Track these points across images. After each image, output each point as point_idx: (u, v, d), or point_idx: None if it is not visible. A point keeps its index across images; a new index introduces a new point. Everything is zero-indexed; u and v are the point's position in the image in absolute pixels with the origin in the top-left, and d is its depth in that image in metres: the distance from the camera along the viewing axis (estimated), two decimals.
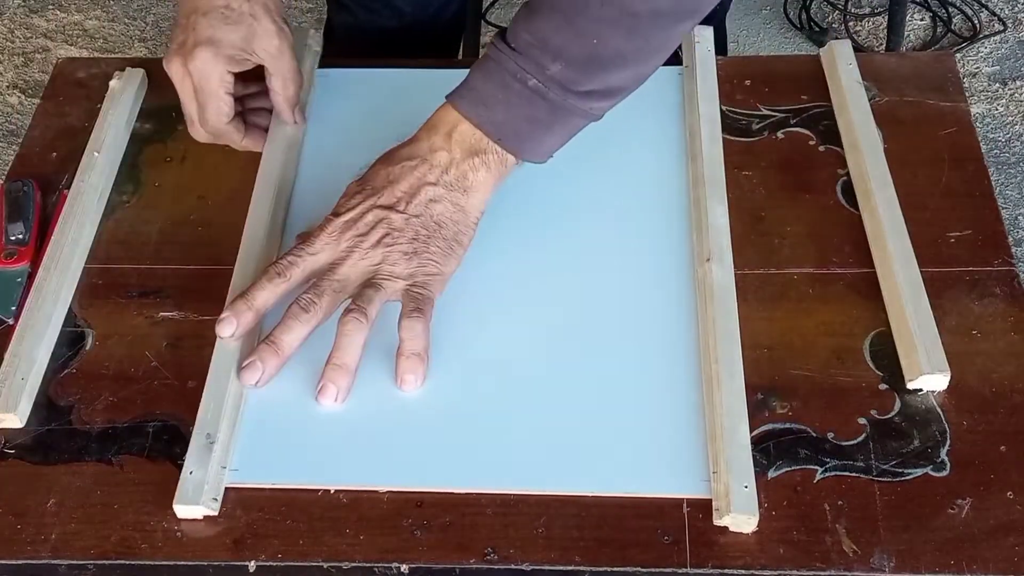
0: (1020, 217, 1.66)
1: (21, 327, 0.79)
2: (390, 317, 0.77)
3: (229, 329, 0.76)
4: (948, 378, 0.74)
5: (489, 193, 0.80)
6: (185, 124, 0.88)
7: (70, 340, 0.80)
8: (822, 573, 0.66)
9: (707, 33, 0.97)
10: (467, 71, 0.90)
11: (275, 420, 0.75)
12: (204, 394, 0.74)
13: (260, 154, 0.89)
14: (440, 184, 0.78)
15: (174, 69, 0.85)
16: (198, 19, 0.85)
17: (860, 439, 0.72)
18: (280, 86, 0.88)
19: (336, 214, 0.78)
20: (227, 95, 0.85)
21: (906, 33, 1.92)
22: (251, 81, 0.90)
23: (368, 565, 0.68)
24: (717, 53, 0.97)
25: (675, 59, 0.97)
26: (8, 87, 1.93)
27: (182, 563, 0.68)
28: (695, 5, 0.75)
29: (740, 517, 0.67)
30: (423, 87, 0.96)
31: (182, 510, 0.69)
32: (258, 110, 0.92)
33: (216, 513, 0.70)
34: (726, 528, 0.68)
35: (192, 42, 0.84)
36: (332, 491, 0.71)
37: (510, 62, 0.76)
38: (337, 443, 0.73)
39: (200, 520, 0.70)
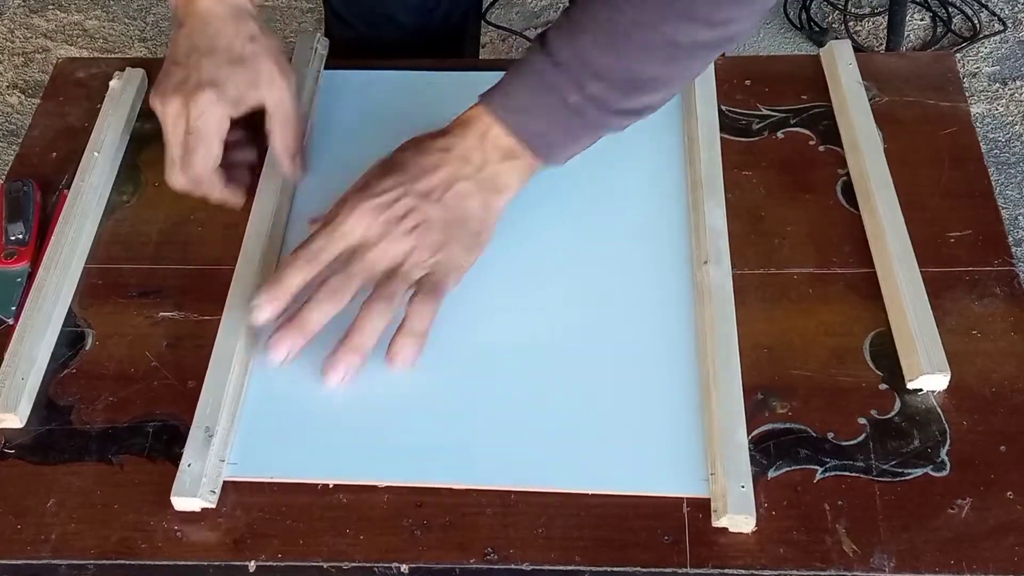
0: (1020, 217, 1.66)
1: (21, 327, 0.79)
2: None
3: (266, 314, 0.75)
4: (948, 378, 0.74)
5: (514, 194, 0.80)
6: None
7: (70, 340, 0.80)
8: (822, 573, 0.66)
9: None
10: (467, 72, 0.90)
11: (275, 414, 0.75)
12: (203, 388, 0.74)
13: (258, 156, 0.89)
14: (473, 181, 0.78)
15: (173, 108, 0.81)
16: (200, 59, 0.82)
17: (860, 439, 0.72)
18: (279, 131, 0.86)
19: (366, 194, 0.77)
20: (219, 141, 0.82)
21: (906, 33, 1.92)
22: (235, 128, 0.85)
23: (368, 565, 0.68)
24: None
25: None
26: (8, 87, 1.93)
27: (182, 563, 0.68)
28: (733, 34, 0.75)
29: (738, 518, 0.67)
30: (425, 89, 0.97)
31: (180, 502, 0.69)
32: (237, 165, 0.87)
33: (213, 506, 0.70)
34: (726, 528, 0.68)
35: (195, 82, 0.81)
36: (332, 487, 0.71)
37: (551, 75, 0.75)
38: (336, 438, 0.73)
39: (200, 520, 0.70)
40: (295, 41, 1.02)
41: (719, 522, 0.67)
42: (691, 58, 0.76)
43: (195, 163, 0.82)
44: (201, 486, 0.69)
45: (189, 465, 0.70)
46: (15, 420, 0.74)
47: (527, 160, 0.78)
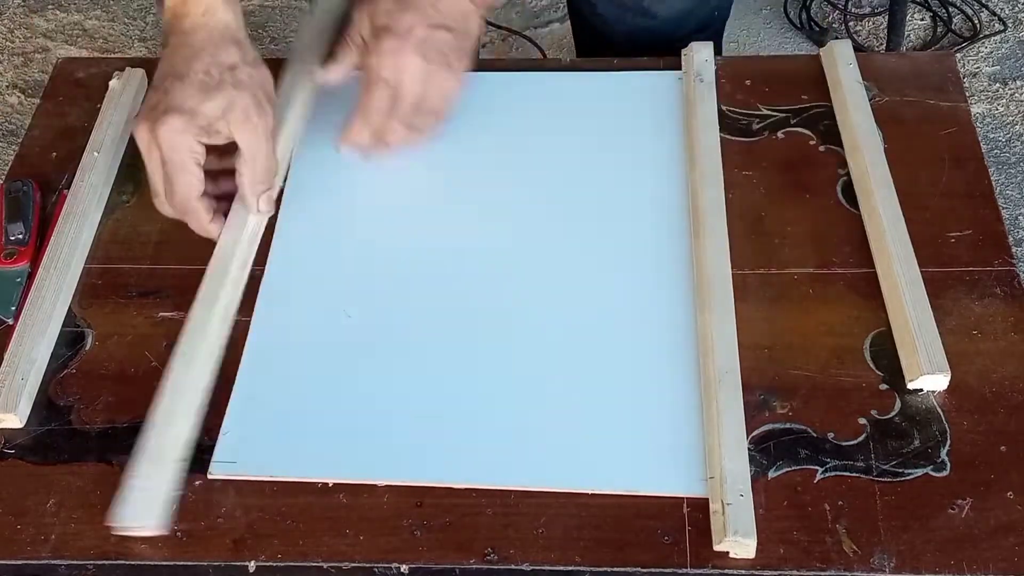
0: (1020, 217, 1.66)
1: (21, 327, 0.79)
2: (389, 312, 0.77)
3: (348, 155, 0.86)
4: (948, 378, 0.74)
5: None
6: None
7: (70, 340, 0.80)
8: (822, 573, 0.66)
9: (706, 47, 0.96)
10: (474, 73, 0.90)
11: (274, 413, 0.75)
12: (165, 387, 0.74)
13: None
14: (475, 3, 0.85)
15: (141, 135, 0.79)
16: (173, 83, 0.78)
17: (860, 439, 0.72)
18: (248, 169, 0.81)
19: (396, 34, 0.82)
20: (196, 167, 0.79)
21: (906, 33, 1.92)
22: (227, 156, 0.82)
23: (368, 565, 0.68)
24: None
25: (674, 64, 0.97)
26: (8, 87, 1.93)
27: (182, 563, 0.68)
28: None
29: (737, 540, 0.66)
30: None
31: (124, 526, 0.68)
32: (227, 195, 0.84)
33: (165, 532, 0.69)
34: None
35: (163, 108, 0.77)
36: (332, 487, 0.71)
37: None
38: (336, 437, 0.73)
39: (200, 520, 0.70)
40: (295, 41, 1.02)
41: (720, 546, 0.67)
42: None
43: (176, 192, 0.79)
44: (151, 510, 0.68)
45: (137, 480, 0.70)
46: (15, 420, 0.74)
47: None
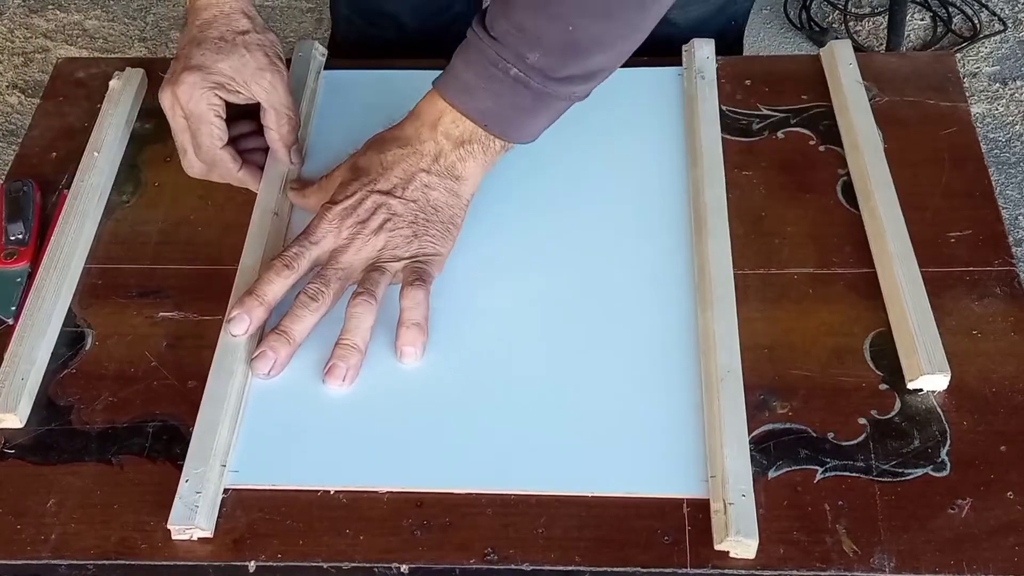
0: (1020, 217, 1.66)
1: (21, 327, 0.79)
2: (389, 316, 0.77)
3: (242, 326, 0.76)
4: (948, 378, 0.74)
5: (480, 177, 0.81)
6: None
7: (70, 340, 0.80)
8: (822, 573, 0.66)
9: (707, 43, 0.96)
10: None
11: (275, 421, 0.75)
12: (204, 395, 0.74)
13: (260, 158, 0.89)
14: (432, 172, 0.79)
15: (165, 98, 0.85)
16: (191, 49, 0.85)
17: (860, 439, 0.72)
18: (274, 122, 0.87)
19: (334, 202, 0.79)
20: (217, 118, 0.85)
21: (906, 33, 1.92)
22: (243, 121, 0.89)
23: (368, 565, 0.68)
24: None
25: (675, 60, 0.97)
26: (8, 87, 1.93)
27: (182, 563, 0.68)
28: None
29: (738, 540, 0.66)
30: (425, 89, 0.96)
31: (178, 530, 0.69)
32: (253, 150, 0.90)
33: (210, 534, 0.69)
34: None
35: (181, 68, 0.84)
36: (332, 492, 0.71)
37: (490, 51, 0.76)
38: (336, 444, 0.73)
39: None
40: (295, 41, 1.02)
41: (720, 546, 0.67)
42: (624, 9, 0.75)
43: (202, 144, 0.85)
44: (199, 513, 0.69)
45: (186, 480, 0.70)
46: (15, 420, 0.74)
47: (484, 142, 0.79)
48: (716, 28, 1.08)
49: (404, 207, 0.78)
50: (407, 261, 0.78)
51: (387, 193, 0.78)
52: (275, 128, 0.87)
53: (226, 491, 0.71)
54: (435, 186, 0.79)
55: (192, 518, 0.68)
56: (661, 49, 1.00)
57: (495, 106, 0.77)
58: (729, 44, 1.13)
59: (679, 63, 0.97)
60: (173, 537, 0.69)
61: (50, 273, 0.82)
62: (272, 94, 0.86)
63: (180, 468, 0.71)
